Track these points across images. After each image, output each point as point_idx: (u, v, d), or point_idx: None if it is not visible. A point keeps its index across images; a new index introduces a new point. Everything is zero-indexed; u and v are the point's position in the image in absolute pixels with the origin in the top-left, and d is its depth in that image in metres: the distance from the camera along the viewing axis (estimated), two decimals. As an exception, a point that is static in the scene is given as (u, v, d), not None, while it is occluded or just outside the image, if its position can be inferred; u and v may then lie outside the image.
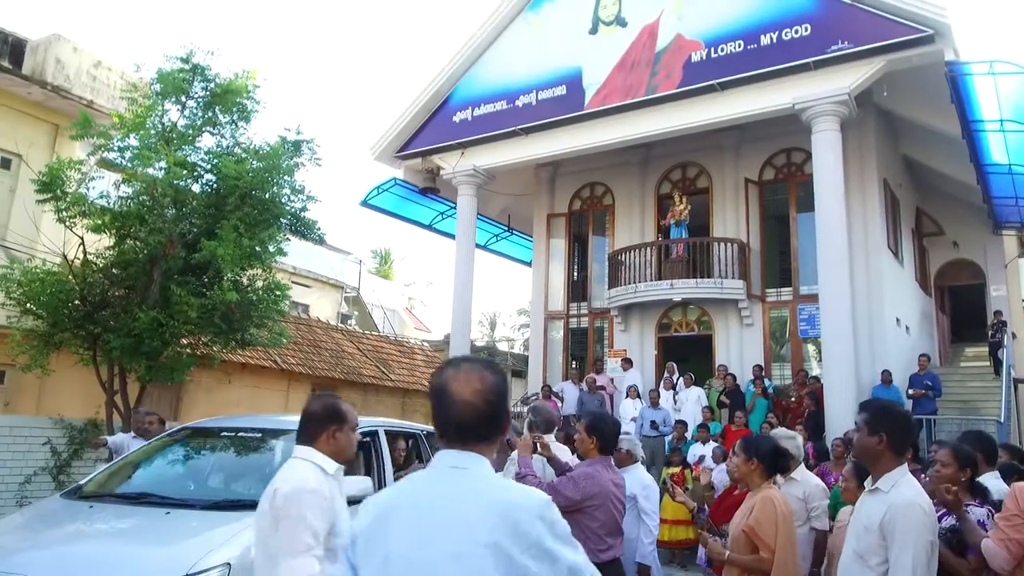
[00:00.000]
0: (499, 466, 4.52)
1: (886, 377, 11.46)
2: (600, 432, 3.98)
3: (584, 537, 3.27)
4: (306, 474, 2.66)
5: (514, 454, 4.48)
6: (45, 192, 8.59)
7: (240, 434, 5.35)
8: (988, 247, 16.87)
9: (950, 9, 9.86)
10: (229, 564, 3.63)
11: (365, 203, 16.93)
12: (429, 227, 18.88)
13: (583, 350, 16.07)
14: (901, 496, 2.84)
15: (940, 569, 3.07)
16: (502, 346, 37.78)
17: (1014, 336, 15.29)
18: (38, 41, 11.60)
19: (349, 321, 23.12)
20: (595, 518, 3.71)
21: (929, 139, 13.53)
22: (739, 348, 13.79)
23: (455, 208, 15.96)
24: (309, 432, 2.81)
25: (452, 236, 17.03)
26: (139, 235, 8.64)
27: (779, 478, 3.99)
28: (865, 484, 3.12)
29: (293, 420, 5.84)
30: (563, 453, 4.61)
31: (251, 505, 4.11)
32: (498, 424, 1.82)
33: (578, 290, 16.50)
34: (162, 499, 4.48)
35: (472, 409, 1.76)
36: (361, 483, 4.48)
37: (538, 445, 4.02)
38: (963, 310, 17.98)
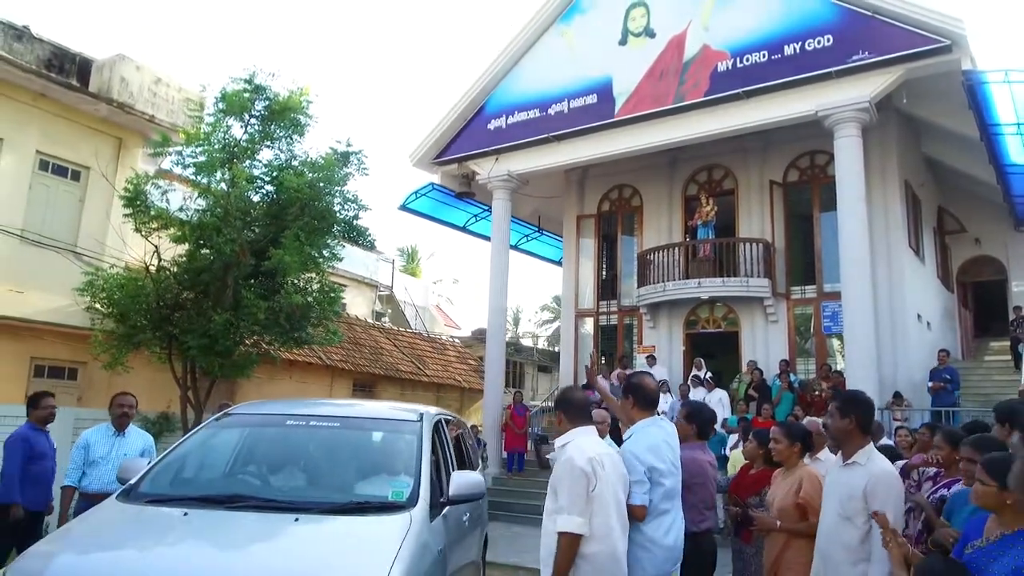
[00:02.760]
0: None
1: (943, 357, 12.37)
2: (698, 420, 4.59)
3: (687, 509, 3.95)
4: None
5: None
6: (129, 206, 9.40)
7: (311, 423, 4.76)
8: (1010, 243, 17.21)
9: (967, 21, 10.33)
10: None
11: (404, 207, 17.58)
12: (463, 229, 19.49)
13: (613, 346, 16.67)
14: (879, 467, 3.47)
15: (928, 531, 3.72)
16: (526, 341, 38.15)
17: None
18: (103, 61, 12.37)
19: (383, 319, 23.85)
20: (696, 494, 4.28)
21: (950, 139, 13.88)
22: (764, 344, 14.33)
23: (488, 210, 16.60)
24: (587, 414, 3.80)
25: (485, 237, 17.69)
26: (215, 244, 9.39)
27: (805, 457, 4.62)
28: (836, 460, 3.73)
29: (344, 405, 6.29)
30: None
31: (378, 508, 3.77)
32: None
33: (608, 288, 17.10)
34: (266, 502, 3.81)
35: (657, 394, 3.87)
36: (474, 478, 4.48)
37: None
38: (987, 306, 18.27)
